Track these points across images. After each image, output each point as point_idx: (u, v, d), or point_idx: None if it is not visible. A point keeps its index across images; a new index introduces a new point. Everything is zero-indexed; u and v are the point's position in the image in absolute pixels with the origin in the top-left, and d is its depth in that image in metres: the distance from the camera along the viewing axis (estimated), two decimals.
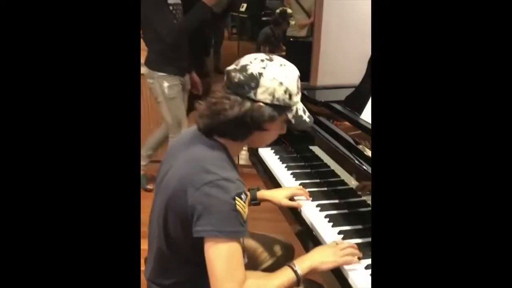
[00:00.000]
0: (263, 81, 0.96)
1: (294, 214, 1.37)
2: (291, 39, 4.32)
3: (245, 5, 5.95)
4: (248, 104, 0.97)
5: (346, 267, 1.05)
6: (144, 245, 0.95)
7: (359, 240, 1.16)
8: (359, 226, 1.22)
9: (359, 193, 1.28)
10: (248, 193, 0.96)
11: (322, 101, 1.65)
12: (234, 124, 0.98)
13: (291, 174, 1.57)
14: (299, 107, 1.04)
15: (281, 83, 0.97)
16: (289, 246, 1.45)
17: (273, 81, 0.96)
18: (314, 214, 1.29)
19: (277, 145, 1.80)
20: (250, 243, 1.37)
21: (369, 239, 1.15)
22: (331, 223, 1.24)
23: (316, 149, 1.58)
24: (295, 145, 1.76)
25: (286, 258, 1.37)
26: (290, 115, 1.01)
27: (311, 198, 1.37)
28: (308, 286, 1.19)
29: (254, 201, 1.33)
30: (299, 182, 1.49)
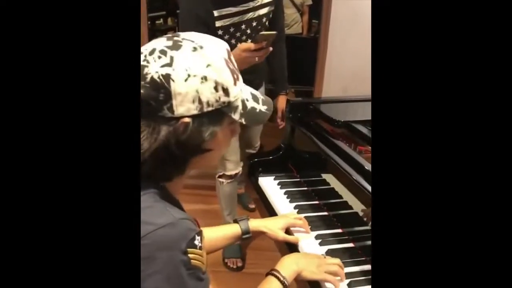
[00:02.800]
0: (175, 86, 0.63)
1: (290, 248, 1.09)
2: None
3: None
4: (165, 128, 0.65)
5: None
6: None
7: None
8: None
9: None
10: (202, 233, 0.67)
11: (342, 121, 1.30)
12: (156, 163, 0.67)
13: (295, 207, 1.26)
14: (246, 96, 0.72)
15: (204, 78, 0.65)
16: None
17: (191, 81, 0.64)
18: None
19: (281, 172, 1.44)
20: None
21: None
22: None
23: (330, 178, 1.25)
24: (304, 173, 1.41)
25: None
26: (236, 115, 0.70)
27: (310, 231, 1.13)
28: None
29: (246, 235, 1.05)
30: (314, 233, 1.13)
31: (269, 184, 1.38)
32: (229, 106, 0.69)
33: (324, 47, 2.25)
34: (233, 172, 1.84)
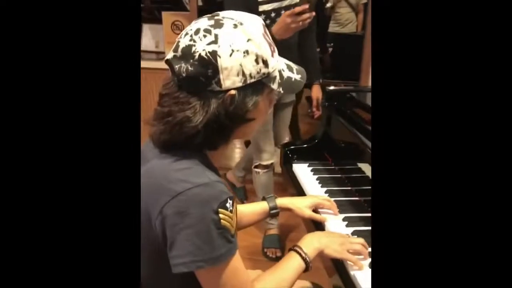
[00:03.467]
0: (222, 62, 0.68)
1: (317, 228, 1.11)
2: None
3: None
4: (214, 101, 0.70)
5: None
6: None
7: None
8: None
9: None
10: (234, 199, 0.72)
11: None
12: (206, 133, 0.71)
13: (326, 192, 1.27)
14: (282, 67, 0.77)
15: (246, 52, 0.69)
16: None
17: (235, 56, 0.69)
18: (366, 274, 0.94)
19: (317, 160, 1.45)
20: None
21: None
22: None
23: (366, 167, 1.23)
24: (339, 161, 1.41)
25: None
26: (275, 85, 0.75)
27: (338, 214, 1.13)
28: None
29: (274, 210, 1.09)
30: (343, 215, 1.13)
31: (302, 171, 1.40)
32: (268, 77, 0.74)
33: (369, 43, 2.22)
34: (268, 162, 1.89)
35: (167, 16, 2.55)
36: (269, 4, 1.58)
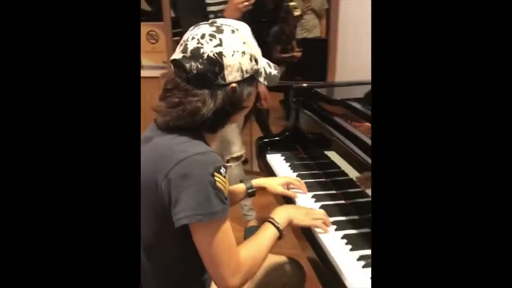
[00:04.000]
0: (226, 61, 0.85)
1: (288, 203, 1.24)
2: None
3: None
4: (220, 93, 0.87)
5: (341, 263, 0.98)
6: None
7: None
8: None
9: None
10: (226, 168, 0.88)
11: (338, 99, 1.45)
12: (213, 119, 0.89)
13: (297, 175, 1.41)
14: (264, 65, 0.95)
15: (243, 53, 0.87)
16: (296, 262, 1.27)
17: (236, 56, 0.86)
18: (331, 236, 1.09)
19: (288, 151, 1.61)
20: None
21: None
22: (350, 246, 1.04)
23: (332, 155, 1.38)
24: (308, 150, 1.57)
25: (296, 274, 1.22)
26: (261, 79, 0.93)
27: (307, 192, 1.29)
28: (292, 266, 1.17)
29: (251, 190, 1.24)
30: (312, 193, 1.28)
31: (276, 160, 1.55)
32: (258, 72, 0.92)
33: (334, 46, 2.41)
34: (238, 154, 2.07)
35: (142, 27, 2.70)
36: (217, 6, 1.85)
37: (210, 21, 0.90)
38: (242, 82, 0.88)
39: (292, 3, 4.21)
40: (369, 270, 0.94)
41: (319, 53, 3.04)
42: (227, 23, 0.89)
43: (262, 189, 1.25)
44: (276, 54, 3.89)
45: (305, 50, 4.01)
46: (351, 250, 1.01)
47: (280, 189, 1.25)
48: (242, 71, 0.87)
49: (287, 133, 1.66)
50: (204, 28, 0.88)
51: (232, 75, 0.86)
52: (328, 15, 3.79)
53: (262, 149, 1.62)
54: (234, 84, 0.87)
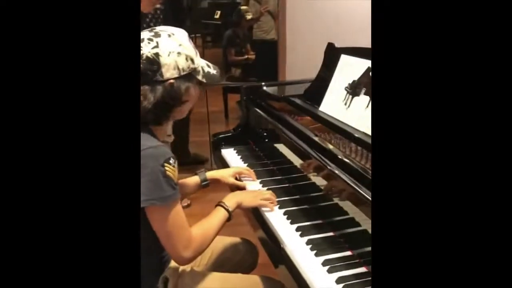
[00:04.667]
0: (163, 60, 0.98)
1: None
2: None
3: (219, 12, 5.96)
4: (159, 88, 1.00)
5: (282, 234, 1.14)
6: None
7: (318, 236, 1.13)
8: (319, 221, 1.19)
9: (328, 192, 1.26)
10: (175, 159, 1.01)
11: (282, 96, 1.63)
12: (155, 111, 1.01)
13: (248, 165, 1.57)
14: (203, 64, 1.08)
15: (179, 53, 1.00)
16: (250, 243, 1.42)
17: (172, 56, 0.99)
18: (274, 213, 1.26)
19: (242, 145, 1.77)
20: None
21: (328, 234, 1.13)
22: (290, 220, 1.21)
23: (281, 147, 1.56)
24: (260, 144, 1.73)
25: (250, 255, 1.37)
26: (199, 77, 1.06)
27: (256, 179, 1.44)
28: (268, 283, 1.20)
29: (205, 182, 1.38)
30: (260, 179, 1.45)
31: (229, 153, 1.71)
32: (195, 71, 1.04)
33: (283, 47, 2.60)
34: None
35: None
36: None
37: (149, 28, 1.05)
38: (179, 78, 1.01)
39: (244, 7, 4.39)
40: (301, 233, 1.12)
41: (271, 54, 3.24)
42: (164, 29, 1.03)
43: (216, 181, 1.40)
44: (231, 57, 4.05)
45: (259, 52, 4.20)
46: (291, 223, 1.18)
47: (232, 180, 1.41)
48: (178, 69, 1.00)
49: (239, 129, 1.82)
50: (144, 33, 1.02)
51: (169, 72, 0.99)
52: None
53: (217, 144, 1.78)
54: (172, 80, 1.00)
